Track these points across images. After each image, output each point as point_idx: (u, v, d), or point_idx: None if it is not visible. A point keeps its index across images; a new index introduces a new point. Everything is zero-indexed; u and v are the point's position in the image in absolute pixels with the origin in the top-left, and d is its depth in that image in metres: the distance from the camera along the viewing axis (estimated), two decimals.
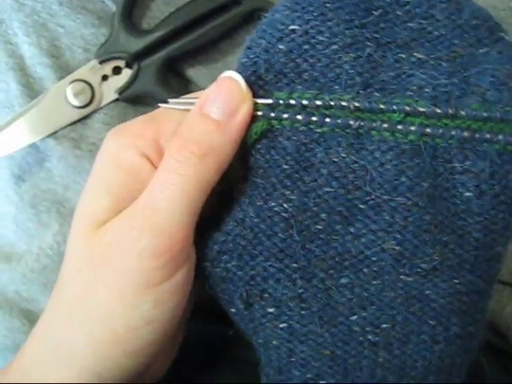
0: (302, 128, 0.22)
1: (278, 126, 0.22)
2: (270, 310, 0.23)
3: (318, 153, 0.22)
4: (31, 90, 0.46)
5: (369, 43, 0.21)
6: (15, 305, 0.49)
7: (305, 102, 0.21)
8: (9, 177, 0.49)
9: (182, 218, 0.21)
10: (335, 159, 0.22)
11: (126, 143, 0.22)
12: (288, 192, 0.22)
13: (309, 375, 0.23)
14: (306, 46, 0.21)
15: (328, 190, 0.22)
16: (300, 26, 0.21)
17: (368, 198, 0.22)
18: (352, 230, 0.22)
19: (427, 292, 0.23)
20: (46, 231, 0.49)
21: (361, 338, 0.23)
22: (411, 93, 0.22)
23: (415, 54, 0.22)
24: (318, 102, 0.21)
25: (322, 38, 0.21)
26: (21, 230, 0.49)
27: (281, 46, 0.22)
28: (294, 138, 0.22)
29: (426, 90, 0.22)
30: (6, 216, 0.50)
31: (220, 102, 0.21)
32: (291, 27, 0.21)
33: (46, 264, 0.48)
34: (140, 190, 0.22)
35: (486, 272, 0.23)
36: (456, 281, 0.23)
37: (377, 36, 0.22)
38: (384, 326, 0.23)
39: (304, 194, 0.22)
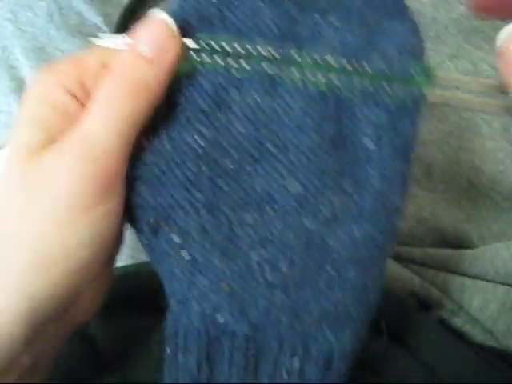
0: (221, 71, 0.24)
1: (199, 67, 0.24)
2: (175, 237, 0.24)
3: (234, 95, 0.24)
4: None
5: (290, 3, 0.24)
6: None
7: (224, 45, 0.23)
8: None
9: (113, 148, 0.22)
10: (249, 101, 0.24)
11: (52, 82, 0.23)
12: (202, 127, 0.24)
13: (206, 308, 0.24)
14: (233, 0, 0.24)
15: (240, 129, 0.24)
16: None
17: (276, 139, 0.24)
18: (259, 169, 0.24)
19: (327, 239, 0.24)
20: None
21: (258, 276, 0.24)
22: (322, 48, 0.24)
23: (330, 19, 0.25)
24: (237, 46, 0.23)
25: None
26: None
27: None
28: (213, 79, 0.24)
29: (337, 46, 0.24)
30: None
31: (150, 39, 0.23)
32: None
33: None
34: (68, 125, 0.23)
35: (384, 225, 0.24)
36: (355, 230, 0.24)
37: None
38: (282, 267, 0.24)
39: (217, 131, 0.24)
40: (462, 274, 0.44)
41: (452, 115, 0.46)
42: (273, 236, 0.24)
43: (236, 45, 0.23)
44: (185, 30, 0.24)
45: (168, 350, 0.25)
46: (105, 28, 0.49)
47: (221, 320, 0.24)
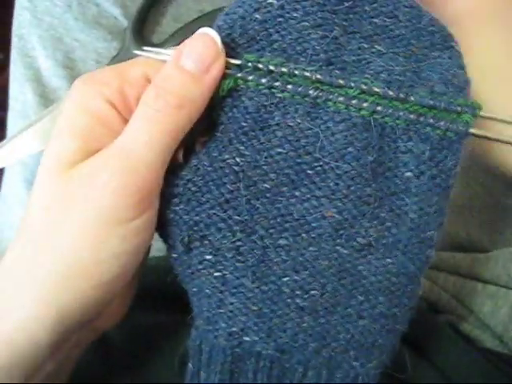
0: (264, 91, 0.24)
1: (243, 86, 0.24)
2: (208, 257, 0.24)
3: (276, 116, 0.24)
4: (46, 99, 0.49)
5: (337, 28, 0.24)
6: None
7: (271, 67, 0.23)
8: (21, 182, 0.51)
9: (153, 163, 0.22)
10: (291, 123, 0.23)
11: (93, 91, 0.23)
12: (242, 148, 0.24)
13: (234, 328, 0.24)
14: (279, 19, 0.24)
15: (280, 151, 0.24)
16: (277, 0, 0.23)
17: (316, 164, 0.24)
18: (297, 193, 0.24)
19: (360, 267, 0.24)
20: None
21: (289, 300, 0.24)
22: (368, 75, 0.24)
23: (376, 46, 0.24)
24: (283, 69, 0.23)
25: (295, 15, 0.24)
26: None
27: (257, 16, 0.24)
28: (256, 99, 0.24)
29: (382, 75, 0.24)
30: (17, 220, 0.52)
31: (196, 56, 0.23)
32: (269, 1, 0.24)
33: None
34: (107, 136, 0.23)
35: (417, 255, 0.24)
36: (388, 260, 0.24)
37: (345, 24, 0.24)
38: (313, 292, 0.24)
39: (257, 152, 0.24)
40: (474, 279, 0.43)
41: None
42: (306, 261, 0.24)
43: (281, 66, 0.23)
44: (229, 46, 0.24)
45: (191, 366, 0.25)
46: (122, 19, 0.48)
47: (247, 340, 0.24)
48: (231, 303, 0.24)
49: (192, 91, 0.22)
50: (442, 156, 0.24)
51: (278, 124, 0.24)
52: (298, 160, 0.24)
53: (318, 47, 0.24)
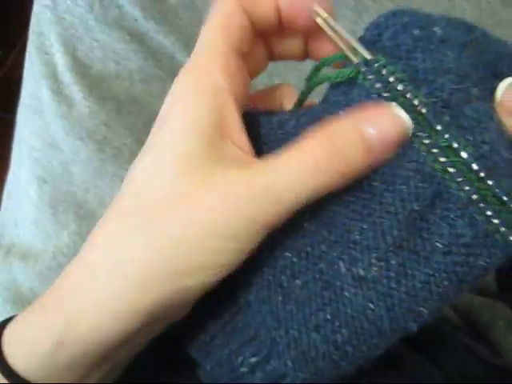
0: (373, 95, 0.23)
1: (359, 81, 0.23)
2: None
3: None
4: (61, 95, 0.49)
5: (474, 89, 0.22)
6: (28, 301, 0.51)
7: (391, 79, 0.22)
8: (31, 178, 0.51)
9: (292, 209, 0.22)
10: None
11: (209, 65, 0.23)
12: None
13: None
14: (431, 47, 0.22)
15: None
16: (442, 34, 0.22)
17: (372, 183, 0.23)
18: (344, 196, 0.23)
19: (345, 292, 0.24)
20: (63, 231, 0.50)
21: (276, 274, 0.25)
22: (466, 139, 0.22)
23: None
24: (399, 87, 0.22)
25: (450, 56, 0.22)
26: (39, 230, 0.51)
27: (415, 32, 0.23)
28: (363, 98, 0.23)
29: (485, 148, 0.22)
30: (26, 215, 0.52)
31: (380, 129, 0.21)
32: (435, 28, 0.23)
33: (62, 262, 0.50)
34: (225, 124, 0.22)
35: (398, 320, 0.23)
36: (371, 306, 0.23)
37: (479, 88, 0.23)
38: (297, 282, 0.24)
39: None
40: (471, 291, 0.45)
41: None
42: (310, 251, 0.24)
43: (400, 82, 0.22)
44: (371, 40, 0.23)
45: None
46: (142, 21, 0.49)
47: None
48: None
49: (357, 159, 0.21)
50: (478, 250, 0.22)
51: None
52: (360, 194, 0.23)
53: (445, 88, 0.22)
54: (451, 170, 0.22)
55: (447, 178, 0.22)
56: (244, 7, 0.23)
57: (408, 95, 0.22)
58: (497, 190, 0.22)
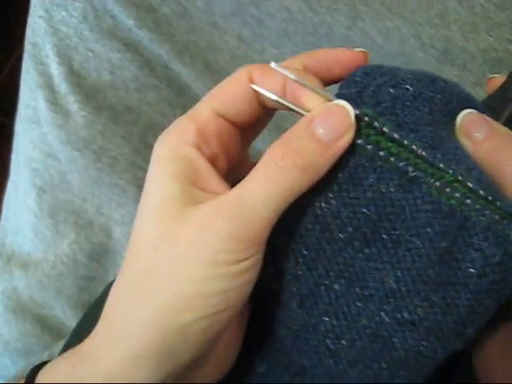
0: (365, 153, 0.24)
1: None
2: (271, 270, 0.26)
3: (371, 178, 0.24)
4: (57, 105, 0.50)
5: (443, 130, 0.25)
6: (28, 310, 0.52)
7: (385, 129, 0.24)
8: (30, 188, 0.52)
9: (268, 216, 0.22)
10: (383, 190, 0.24)
11: (177, 140, 0.24)
12: (331, 196, 0.24)
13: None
14: (407, 103, 0.24)
15: (364, 211, 0.24)
16: (414, 91, 0.24)
17: (393, 232, 0.24)
18: (366, 250, 0.25)
19: (394, 339, 0.25)
20: (63, 240, 0.51)
21: (320, 337, 0.26)
22: (462, 170, 0.24)
23: None
24: (395, 135, 0.24)
25: (424, 110, 0.24)
26: (38, 239, 0.52)
27: (391, 91, 0.24)
28: (357, 158, 0.24)
29: (473, 173, 0.24)
30: (25, 225, 0.53)
31: (329, 125, 0.23)
32: (407, 86, 0.24)
33: (62, 271, 0.51)
34: (199, 178, 0.24)
35: (449, 345, 0.25)
36: (424, 341, 0.24)
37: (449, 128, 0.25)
38: (343, 341, 0.25)
39: (343, 205, 0.24)
40: None
41: None
42: (348, 312, 0.25)
43: (394, 131, 0.24)
44: (351, 97, 0.24)
45: None
46: (137, 31, 0.49)
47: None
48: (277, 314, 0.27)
49: (318, 158, 0.23)
50: (510, 264, 0.23)
51: (370, 186, 0.24)
52: (378, 223, 0.24)
53: (428, 133, 0.25)
54: (468, 201, 0.23)
55: (465, 209, 0.23)
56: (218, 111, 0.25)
57: (405, 141, 0.24)
58: (509, 208, 0.23)
